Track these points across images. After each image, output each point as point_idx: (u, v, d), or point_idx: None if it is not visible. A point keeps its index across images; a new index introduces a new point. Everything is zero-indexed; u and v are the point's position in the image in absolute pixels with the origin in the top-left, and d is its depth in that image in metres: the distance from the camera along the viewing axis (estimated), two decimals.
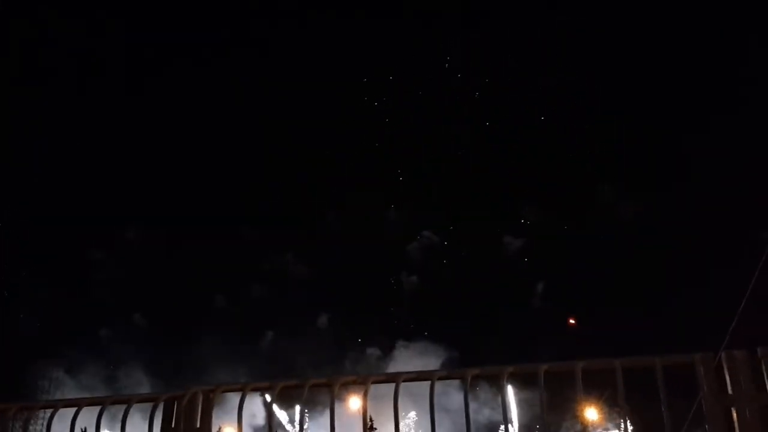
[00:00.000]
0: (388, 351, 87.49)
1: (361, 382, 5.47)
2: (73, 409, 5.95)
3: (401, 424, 5.12)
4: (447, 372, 5.29)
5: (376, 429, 61.27)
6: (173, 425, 5.58)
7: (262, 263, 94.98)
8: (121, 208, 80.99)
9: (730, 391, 4.48)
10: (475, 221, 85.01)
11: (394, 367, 60.35)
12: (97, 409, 5.72)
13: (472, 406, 5.05)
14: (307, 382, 5.47)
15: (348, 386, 5.36)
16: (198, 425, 5.59)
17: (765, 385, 4.47)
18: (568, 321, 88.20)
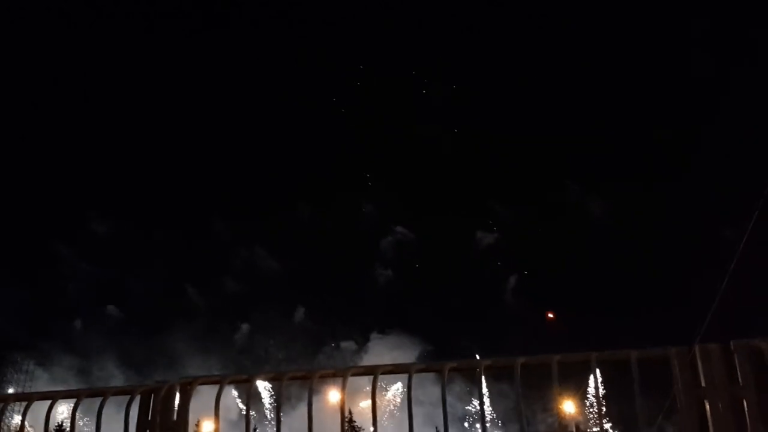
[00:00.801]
0: (362, 344, 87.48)
1: (339, 375, 5.47)
2: (47, 402, 5.88)
3: (388, 395, 5.14)
4: (425, 365, 5.30)
5: (355, 422, 61.21)
6: (150, 418, 5.52)
7: (235, 257, 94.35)
8: (88, 202, 79.88)
9: (703, 384, 4.54)
10: (448, 217, 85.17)
11: (368, 361, 60.37)
12: (72, 401, 5.66)
13: (447, 399, 5.07)
14: (285, 375, 5.46)
15: (325, 379, 5.36)
16: (175, 418, 5.54)
17: (737, 377, 4.54)
18: (546, 315, 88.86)
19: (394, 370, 5.56)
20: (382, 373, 5.28)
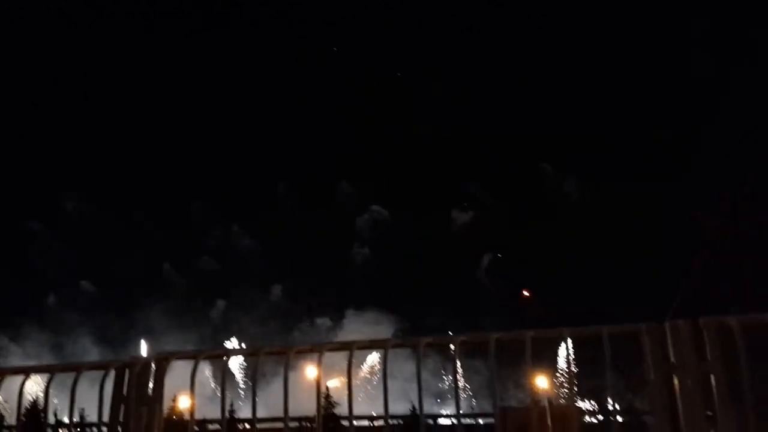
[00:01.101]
0: (337, 321, 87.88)
1: (315, 351, 5.49)
2: (21, 377, 5.85)
3: (364, 367, 5.19)
4: (401, 340, 5.35)
5: (332, 397, 61.66)
6: (125, 393, 5.52)
7: (210, 234, 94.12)
8: (62, 181, 79.15)
9: (672, 360, 4.63)
10: (423, 197, 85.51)
11: (343, 338, 60.76)
12: (45, 377, 5.63)
13: (421, 375, 5.13)
14: (261, 350, 5.47)
15: (300, 356, 5.38)
16: (150, 393, 5.54)
17: (706, 354, 4.64)
18: (521, 293, 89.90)
19: (370, 345, 5.60)
20: (358, 349, 5.31)
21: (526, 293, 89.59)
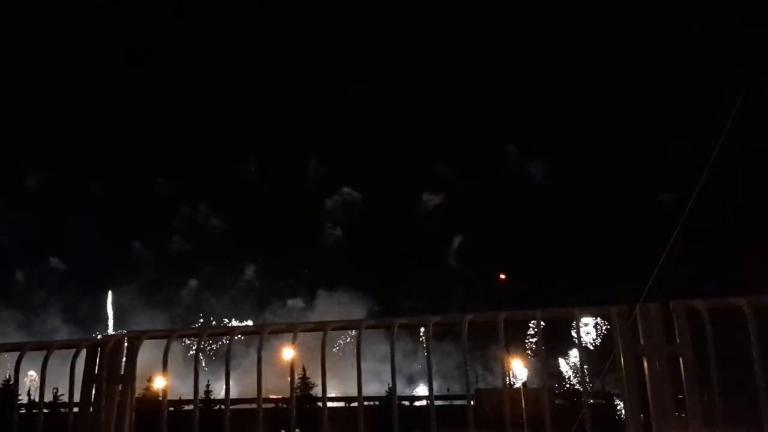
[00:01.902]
0: (309, 302, 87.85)
1: (289, 330, 5.49)
2: None
3: (335, 350, 5.21)
4: (375, 321, 5.36)
5: (308, 378, 61.96)
6: (96, 372, 5.48)
7: (181, 214, 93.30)
8: (23, 156, 77.97)
9: (642, 342, 4.70)
10: (394, 179, 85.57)
11: (315, 318, 60.86)
12: (15, 355, 5.57)
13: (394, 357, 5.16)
14: (235, 330, 5.45)
15: (270, 337, 5.37)
16: (122, 372, 5.51)
17: (675, 336, 4.71)
18: (498, 276, 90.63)
19: (344, 326, 5.60)
20: (332, 329, 5.31)
21: (502, 276, 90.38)
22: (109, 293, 79.58)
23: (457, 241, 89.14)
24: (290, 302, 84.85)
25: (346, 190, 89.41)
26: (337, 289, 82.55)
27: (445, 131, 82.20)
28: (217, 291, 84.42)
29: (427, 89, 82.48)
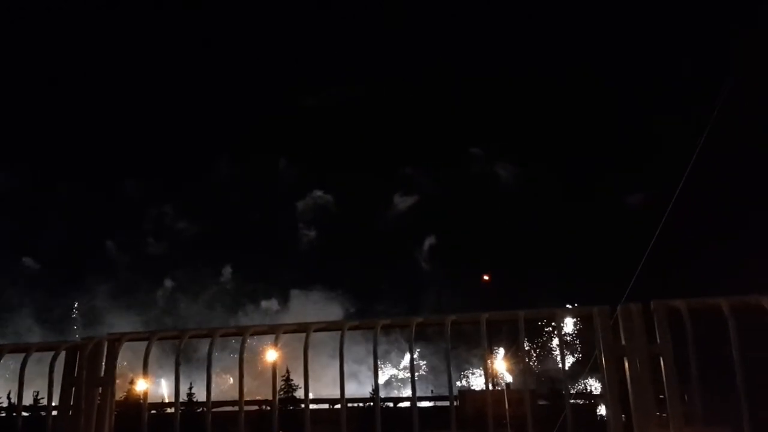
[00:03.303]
0: (283, 304, 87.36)
1: (271, 332, 5.46)
2: None
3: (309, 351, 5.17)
4: (357, 322, 5.34)
5: (292, 380, 61.73)
6: (76, 374, 5.42)
7: (149, 215, 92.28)
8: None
9: (623, 342, 4.73)
10: (365, 181, 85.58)
11: (289, 320, 60.67)
12: None
13: (370, 359, 5.15)
14: (217, 331, 5.41)
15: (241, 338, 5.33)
16: (102, 374, 5.45)
17: (655, 336, 4.74)
18: (482, 277, 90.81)
19: (327, 327, 5.57)
20: (315, 330, 5.29)
21: (486, 277, 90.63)
22: (76, 300, 78.74)
23: (429, 242, 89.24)
24: (264, 304, 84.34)
25: (317, 193, 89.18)
26: (311, 290, 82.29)
27: (416, 133, 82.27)
28: (189, 294, 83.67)
29: (397, 91, 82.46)
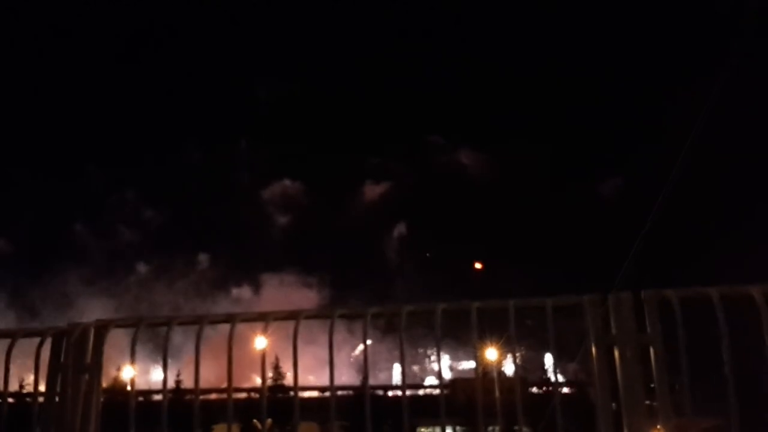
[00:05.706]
0: (256, 291, 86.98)
1: (261, 320, 5.43)
2: None
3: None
4: (348, 311, 5.31)
5: (281, 368, 61.72)
6: (62, 360, 5.37)
7: (115, 202, 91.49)
8: None
9: (613, 331, 4.72)
10: (334, 168, 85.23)
11: (261, 308, 60.47)
12: None
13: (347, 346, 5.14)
14: (205, 318, 5.37)
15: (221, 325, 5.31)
16: (89, 361, 5.40)
17: (645, 326, 4.74)
18: (473, 266, 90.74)
19: (316, 314, 5.56)
20: (305, 318, 5.26)
21: (478, 265, 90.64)
22: (45, 286, 78.41)
23: (399, 230, 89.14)
24: (235, 291, 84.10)
25: (286, 181, 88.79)
26: (283, 278, 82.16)
27: (387, 120, 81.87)
28: (161, 281, 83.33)
29: (362, 78, 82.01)
